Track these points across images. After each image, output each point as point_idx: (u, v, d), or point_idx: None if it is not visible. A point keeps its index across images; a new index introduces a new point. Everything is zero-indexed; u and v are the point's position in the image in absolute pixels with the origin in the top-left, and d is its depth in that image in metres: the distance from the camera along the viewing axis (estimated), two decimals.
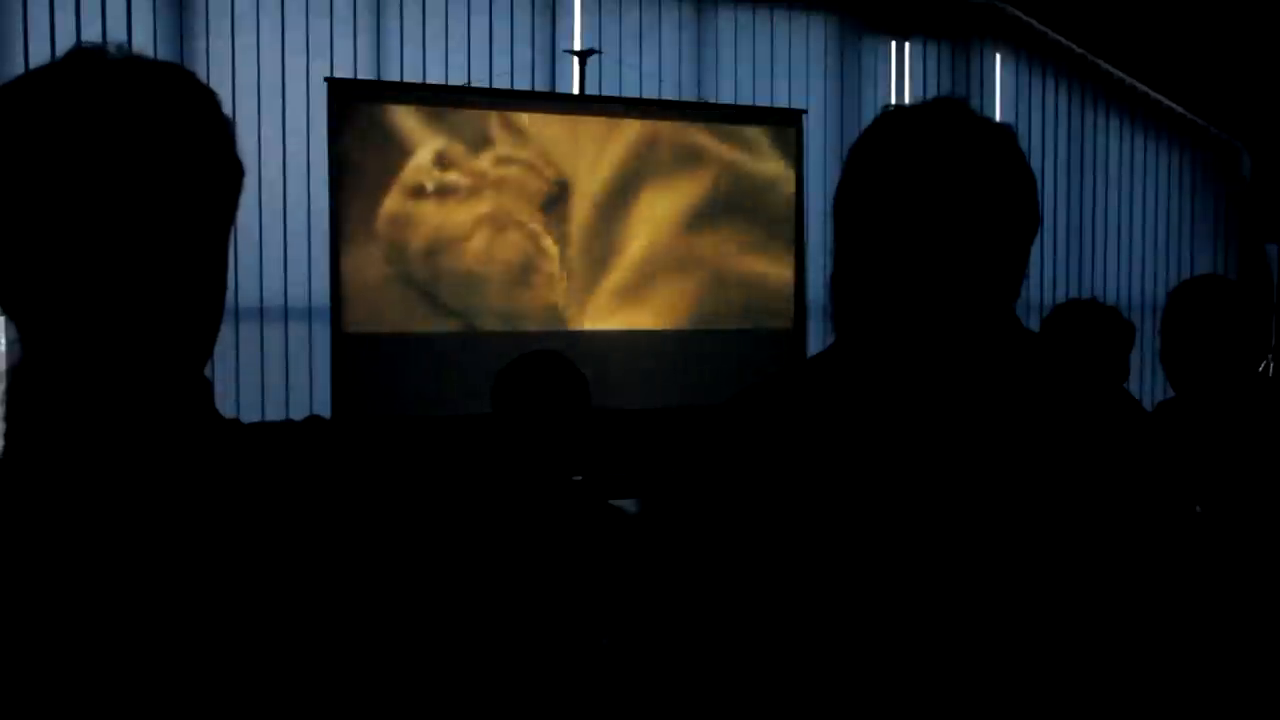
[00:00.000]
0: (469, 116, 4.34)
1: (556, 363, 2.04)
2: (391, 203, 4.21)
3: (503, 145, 4.37)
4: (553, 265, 4.46)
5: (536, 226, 4.42)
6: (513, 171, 4.38)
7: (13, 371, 0.76)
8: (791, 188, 4.83)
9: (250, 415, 4.39)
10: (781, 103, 5.34)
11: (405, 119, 4.24)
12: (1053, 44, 6.07)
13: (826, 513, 0.96)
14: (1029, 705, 0.94)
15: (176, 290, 0.76)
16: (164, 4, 4.36)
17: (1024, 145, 1.02)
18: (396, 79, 4.65)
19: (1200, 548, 1.07)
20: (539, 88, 4.89)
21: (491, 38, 4.87)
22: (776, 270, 4.83)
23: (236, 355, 4.42)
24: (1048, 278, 6.04)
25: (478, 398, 2.42)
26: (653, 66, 5.15)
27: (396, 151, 4.22)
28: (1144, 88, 6.24)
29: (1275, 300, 6.09)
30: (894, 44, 5.77)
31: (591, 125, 4.52)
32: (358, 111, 4.19)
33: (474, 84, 4.66)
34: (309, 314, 4.56)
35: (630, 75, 5.05)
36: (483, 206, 4.34)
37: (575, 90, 4.73)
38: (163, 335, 0.76)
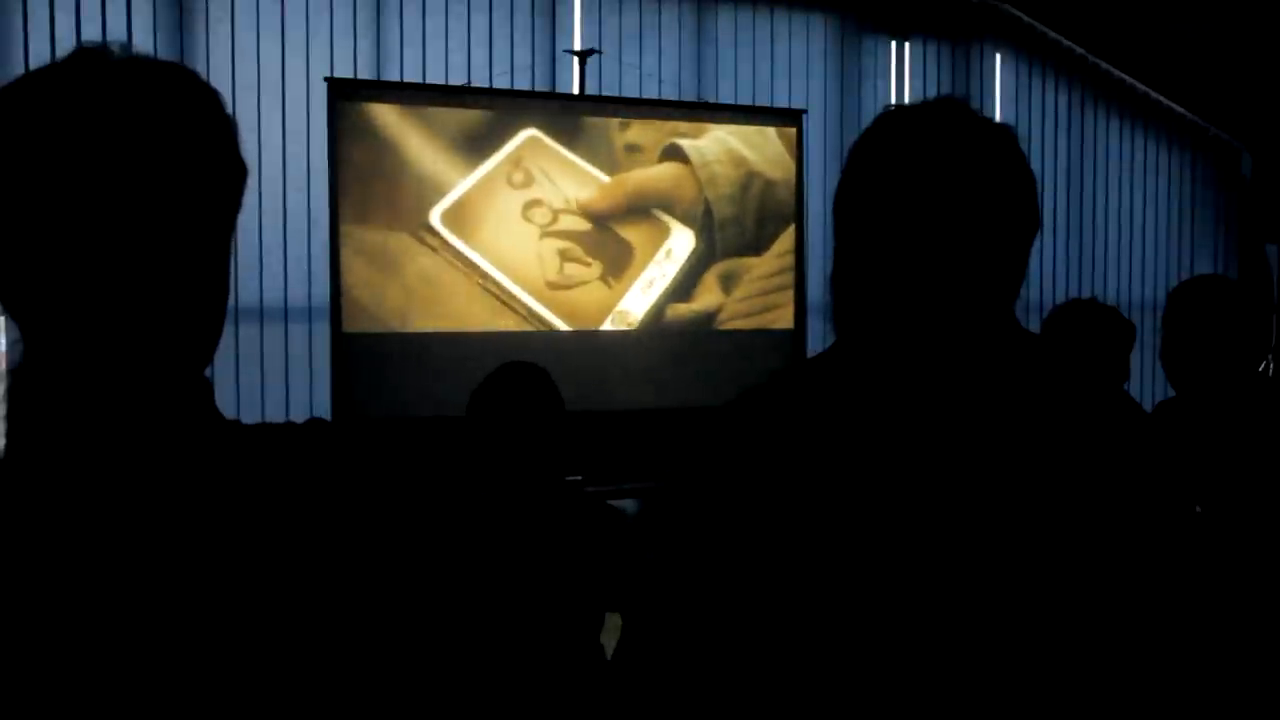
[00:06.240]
0: (468, 116, 4.34)
1: (529, 375, 2.03)
2: (391, 202, 4.21)
3: (501, 143, 4.37)
4: (553, 264, 4.46)
5: (537, 225, 4.42)
6: (512, 170, 4.38)
7: (14, 372, 0.76)
8: (791, 188, 4.83)
9: (250, 415, 4.37)
10: (781, 103, 5.35)
11: (405, 119, 4.24)
12: (1053, 44, 6.07)
13: (827, 514, 0.96)
14: (1030, 706, 0.94)
15: (179, 291, 0.76)
16: (164, 3, 4.36)
17: (1024, 145, 1.02)
18: (396, 79, 4.65)
19: (1200, 548, 1.07)
20: (539, 88, 4.89)
21: (491, 38, 4.87)
22: (776, 270, 4.83)
23: (236, 355, 4.42)
24: (1048, 278, 6.04)
25: None
26: (653, 66, 5.15)
27: (396, 151, 4.22)
28: (1144, 88, 6.24)
29: (1275, 300, 6.09)
30: (894, 44, 5.77)
31: (590, 127, 4.52)
32: (358, 111, 4.19)
33: (474, 84, 4.66)
34: (309, 314, 4.56)
35: (630, 75, 5.05)
36: (482, 205, 4.34)
37: (575, 90, 4.73)
38: (165, 336, 0.76)
